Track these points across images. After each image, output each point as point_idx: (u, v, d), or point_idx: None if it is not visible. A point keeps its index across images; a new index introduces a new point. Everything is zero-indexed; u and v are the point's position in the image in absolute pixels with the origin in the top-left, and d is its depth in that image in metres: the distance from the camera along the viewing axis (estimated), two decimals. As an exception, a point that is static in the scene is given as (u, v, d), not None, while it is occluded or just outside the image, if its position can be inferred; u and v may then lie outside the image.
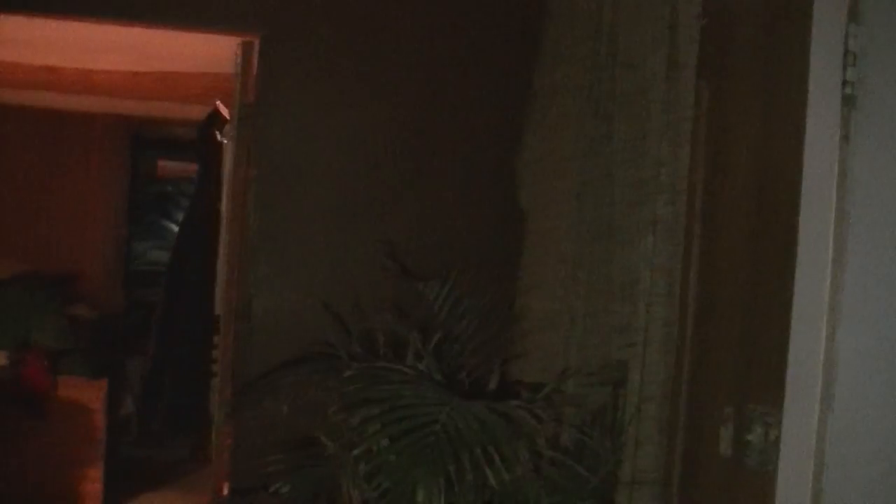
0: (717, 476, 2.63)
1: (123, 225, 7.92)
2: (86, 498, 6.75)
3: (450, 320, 3.49)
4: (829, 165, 2.17)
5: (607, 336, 3.17)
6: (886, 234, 2.15)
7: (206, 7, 3.96)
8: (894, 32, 2.15)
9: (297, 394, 3.09)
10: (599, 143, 3.25)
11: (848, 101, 2.15)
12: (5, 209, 7.62)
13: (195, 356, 5.57)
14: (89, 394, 6.79)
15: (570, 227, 3.36)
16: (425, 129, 4.05)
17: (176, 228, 8.10)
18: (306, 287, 3.94)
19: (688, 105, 2.83)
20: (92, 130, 7.77)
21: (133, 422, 6.87)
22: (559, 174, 3.49)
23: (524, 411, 2.76)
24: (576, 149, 3.37)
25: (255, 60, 4.18)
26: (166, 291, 5.93)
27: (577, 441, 3.09)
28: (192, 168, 6.62)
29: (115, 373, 7.13)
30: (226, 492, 4.00)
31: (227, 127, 5.18)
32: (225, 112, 5.33)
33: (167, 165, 8.88)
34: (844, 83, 2.15)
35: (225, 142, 5.28)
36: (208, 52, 5.12)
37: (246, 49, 4.26)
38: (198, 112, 6.02)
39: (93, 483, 6.76)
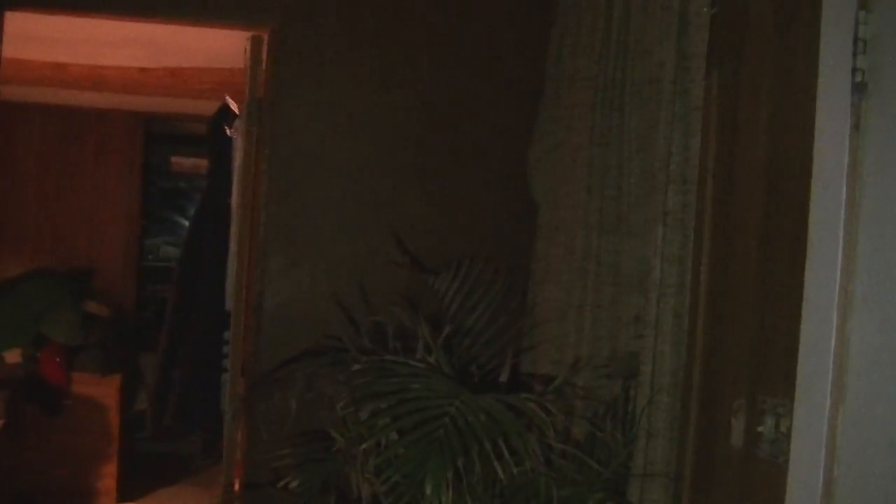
0: (729, 468, 2.61)
1: (137, 221, 7.92)
2: (100, 493, 6.79)
3: (460, 313, 3.48)
4: (840, 154, 2.14)
5: (618, 328, 3.16)
6: (898, 223, 2.13)
7: (215, 1, 3.95)
8: (905, 19, 2.12)
9: (306, 388, 3.09)
10: (610, 134, 3.24)
11: (858, 89, 2.13)
12: (19, 206, 7.65)
13: (206, 351, 5.56)
14: (103, 390, 6.83)
15: (581, 218, 3.34)
16: (436, 122, 4.04)
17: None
18: (317, 280, 3.94)
19: (698, 95, 2.81)
20: (105, 127, 7.78)
21: (147, 417, 6.87)
22: (570, 165, 3.48)
23: (535, 404, 2.74)
24: (586, 139, 3.35)
25: (264, 54, 4.18)
26: (177, 286, 5.91)
27: (588, 434, 3.08)
28: (204, 164, 6.61)
29: (129, 369, 7.16)
30: (238, 487, 4.00)
31: (237, 121, 5.18)
32: (234, 107, 5.33)
33: (180, 161, 8.90)
34: (855, 71, 2.13)
35: (235, 136, 5.28)
36: (218, 46, 5.12)
37: (255, 43, 4.26)
38: (209, 108, 6.00)
39: (107, 478, 6.81)
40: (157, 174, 8.71)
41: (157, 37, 5.04)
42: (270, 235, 3.94)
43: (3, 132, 7.18)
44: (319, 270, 3.96)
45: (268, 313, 3.92)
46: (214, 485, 5.66)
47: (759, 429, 2.41)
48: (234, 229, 4.98)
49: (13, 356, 6.70)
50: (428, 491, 2.47)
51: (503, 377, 3.08)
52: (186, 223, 8.22)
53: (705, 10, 2.78)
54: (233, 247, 4.97)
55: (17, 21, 3.89)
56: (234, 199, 5.04)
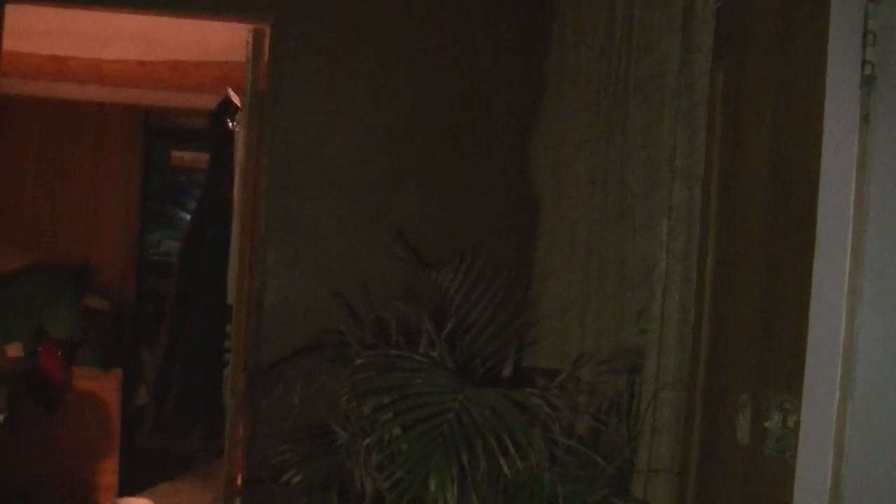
0: (735, 464, 2.60)
1: (136, 215, 7.90)
2: (101, 488, 6.77)
3: (463, 307, 3.47)
4: (849, 148, 2.12)
5: (623, 323, 3.14)
6: (908, 218, 2.11)
7: (216, -6, 3.94)
8: (915, 11, 2.10)
9: (308, 382, 3.07)
10: (614, 128, 3.22)
11: (868, 82, 2.10)
12: (19, 200, 7.63)
13: (206, 346, 5.55)
14: (104, 385, 6.80)
15: (584, 213, 3.33)
16: (438, 116, 4.03)
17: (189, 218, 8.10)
18: (319, 275, 3.93)
19: (703, 89, 2.79)
20: (105, 121, 7.76)
21: (148, 412, 6.87)
22: (573, 160, 3.46)
23: (539, 399, 2.73)
24: (590, 134, 3.34)
25: (266, 48, 4.16)
26: (178, 281, 5.90)
27: (592, 429, 3.06)
28: (204, 158, 6.59)
29: (129, 363, 7.14)
30: (239, 482, 3.99)
31: (239, 115, 5.16)
32: (236, 100, 5.31)
33: (180, 156, 8.88)
34: (864, 63, 2.10)
35: (236, 130, 5.26)
36: (219, 40, 5.10)
37: (257, 37, 4.24)
38: (210, 102, 5.99)
39: (108, 473, 6.78)
40: (156, 169, 8.68)
41: (156, 30, 5.01)
42: (271, 229, 3.93)
43: (2, 126, 7.15)
44: (320, 265, 3.95)
45: (269, 308, 3.91)
46: (216, 480, 5.64)
47: (766, 424, 2.39)
48: (235, 223, 4.97)
49: (14, 350, 6.69)
50: (432, 487, 2.46)
51: (506, 372, 3.07)
52: (187, 217, 8.20)
53: (711, 2, 2.76)
54: (234, 241, 4.95)
55: (15, 14, 3.87)
56: (236, 193, 5.02)
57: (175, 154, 8.86)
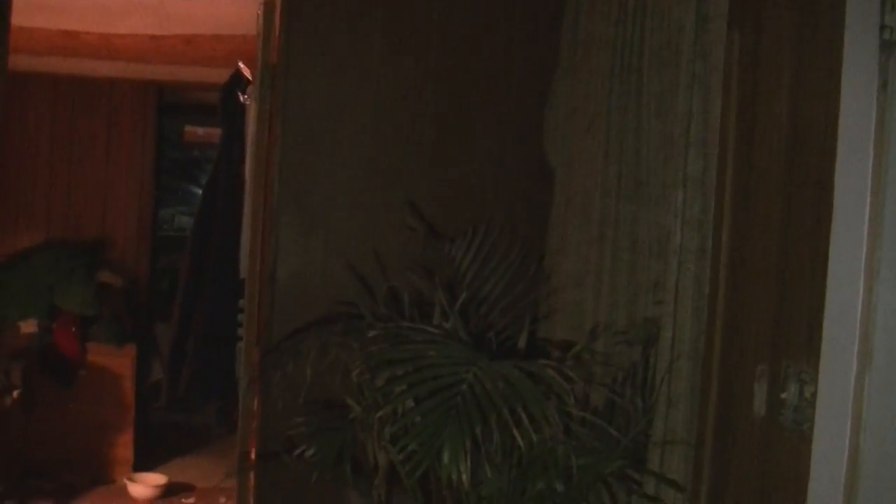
0: (751, 435, 2.58)
1: (150, 191, 7.90)
2: (116, 463, 6.80)
3: (477, 280, 3.45)
4: (867, 115, 2.08)
5: (638, 294, 3.12)
6: (926, 186, 2.08)
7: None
8: (935, -28, 2.06)
9: (321, 356, 3.06)
10: (628, 98, 3.19)
11: (887, 47, 2.06)
12: (32, 177, 7.64)
13: (219, 321, 5.54)
14: (118, 360, 6.83)
15: (599, 183, 3.30)
16: (450, 88, 4.00)
17: (202, 193, 8.10)
18: (332, 248, 3.91)
19: (719, 57, 2.76)
20: (117, 97, 7.75)
21: (162, 388, 6.89)
22: (588, 130, 3.43)
23: (553, 371, 2.70)
24: (604, 104, 3.31)
25: (276, 21, 4.13)
26: (190, 256, 5.89)
27: (607, 401, 3.05)
28: (218, 133, 6.57)
29: (143, 339, 7.16)
30: (253, 456, 3.99)
31: (250, 88, 5.14)
32: (247, 73, 5.29)
33: (194, 131, 8.87)
34: (882, 28, 2.07)
35: (247, 103, 5.24)
36: (230, 13, 5.08)
37: (268, 9, 4.22)
38: (222, 76, 5.97)
39: (123, 448, 6.82)
40: (170, 144, 8.68)
41: (168, 4, 4.99)
42: (284, 203, 3.91)
43: (15, 103, 7.14)
44: (333, 238, 3.93)
45: (281, 282, 3.89)
46: (230, 454, 5.65)
47: (783, 395, 2.37)
48: (247, 197, 4.95)
49: (28, 326, 6.71)
50: (445, 459, 2.44)
51: (521, 343, 3.05)
52: (200, 193, 8.21)
53: (726, -32, 2.72)
54: (246, 215, 4.94)
55: (25, -12, 3.85)
56: (248, 167, 5.01)
57: (188, 129, 8.86)
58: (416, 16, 3.98)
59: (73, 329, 6.74)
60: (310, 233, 3.93)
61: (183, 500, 6.61)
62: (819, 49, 2.35)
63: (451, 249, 3.53)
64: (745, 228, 2.69)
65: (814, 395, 2.23)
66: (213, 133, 7.64)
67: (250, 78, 5.18)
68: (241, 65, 5.38)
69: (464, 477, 2.46)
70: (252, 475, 4.03)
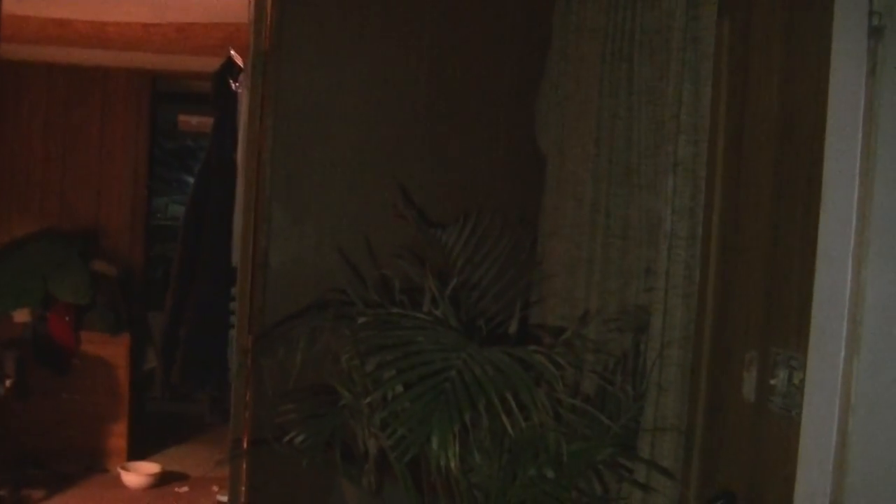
0: (741, 421, 2.58)
1: (144, 180, 7.89)
2: (110, 452, 6.81)
3: (468, 266, 3.45)
4: (856, 100, 2.08)
5: (628, 281, 3.12)
6: (915, 171, 2.07)
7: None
8: (925, -42, 2.06)
9: (311, 342, 3.05)
10: (619, 85, 3.19)
11: (875, 33, 2.06)
12: (25, 166, 7.63)
13: (211, 309, 5.54)
14: (112, 349, 6.84)
15: (590, 170, 3.30)
16: (442, 74, 4.00)
17: (195, 181, 8.09)
18: (324, 235, 3.91)
19: (709, 43, 2.75)
20: (111, 85, 7.74)
21: (157, 377, 6.89)
22: (579, 116, 3.43)
23: (543, 357, 2.70)
24: (595, 91, 3.30)
25: (268, 8, 4.12)
26: (182, 243, 5.88)
27: (598, 387, 3.05)
28: (211, 122, 6.57)
29: (137, 328, 7.16)
30: (245, 443, 3.98)
31: (242, 76, 5.12)
32: (239, 61, 5.27)
33: (187, 120, 8.85)
34: (871, 14, 2.06)
35: (240, 91, 5.23)
36: (222, 1, 5.06)
37: (259, -5, 4.19)
38: (216, 64, 5.96)
39: (117, 437, 6.83)
40: (163, 133, 8.67)
41: (160, -8, 4.99)
42: (276, 190, 3.91)
43: (8, 92, 7.14)
44: (325, 226, 3.93)
45: (273, 269, 3.89)
46: (224, 443, 5.65)
47: (772, 381, 2.38)
48: (239, 185, 4.94)
49: (22, 315, 6.70)
50: (434, 445, 2.44)
51: (511, 329, 3.05)
52: (192, 181, 8.20)
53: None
54: (238, 202, 4.93)
55: (17, -26, 3.84)
56: (240, 155, 4.99)
57: (182, 118, 8.84)
58: (409, 2, 3.97)
59: (68, 318, 6.74)
60: (302, 220, 3.92)
61: (176, 488, 6.62)
62: (809, 35, 2.35)
63: (442, 236, 3.52)
64: (736, 214, 2.70)
65: (803, 381, 2.23)
66: (207, 122, 7.59)
67: (242, 66, 5.16)
68: (232, 52, 5.37)
69: (452, 463, 2.46)
70: (244, 462, 4.03)
